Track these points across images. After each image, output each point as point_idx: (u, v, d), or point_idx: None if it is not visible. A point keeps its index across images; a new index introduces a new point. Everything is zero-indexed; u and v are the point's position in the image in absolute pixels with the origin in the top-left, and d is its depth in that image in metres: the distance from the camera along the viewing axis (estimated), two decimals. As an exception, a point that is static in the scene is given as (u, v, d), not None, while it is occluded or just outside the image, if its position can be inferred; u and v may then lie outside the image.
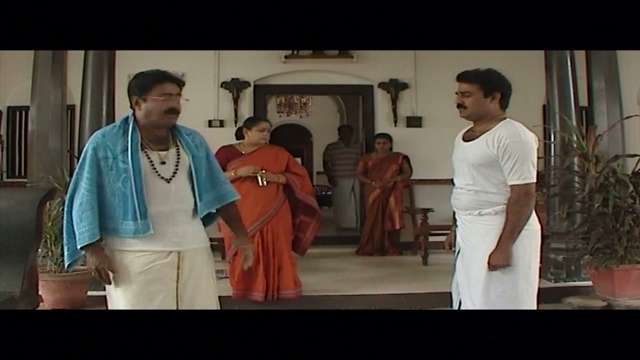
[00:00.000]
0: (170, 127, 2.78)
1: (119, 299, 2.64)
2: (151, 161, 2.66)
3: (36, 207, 3.53)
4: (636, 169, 4.70)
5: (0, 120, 7.62)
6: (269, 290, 4.71)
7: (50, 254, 4.59)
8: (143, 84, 2.70)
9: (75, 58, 5.42)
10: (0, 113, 7.62)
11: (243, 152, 4.91)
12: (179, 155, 2.74)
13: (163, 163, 2.68)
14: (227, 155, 4.91)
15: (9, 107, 7.73)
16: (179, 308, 2.63)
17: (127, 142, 2.63)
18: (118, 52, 5.59)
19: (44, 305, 4.46)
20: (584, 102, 5.73)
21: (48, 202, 4.08)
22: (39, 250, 4.11)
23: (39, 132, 5.23)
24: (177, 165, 2.71)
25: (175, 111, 2.70)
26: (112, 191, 2.61)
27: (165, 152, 2.71)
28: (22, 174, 7.35)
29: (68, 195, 2.67)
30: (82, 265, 4.77)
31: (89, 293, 4.69)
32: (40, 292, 4.15)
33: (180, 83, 2.77)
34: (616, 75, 5.60)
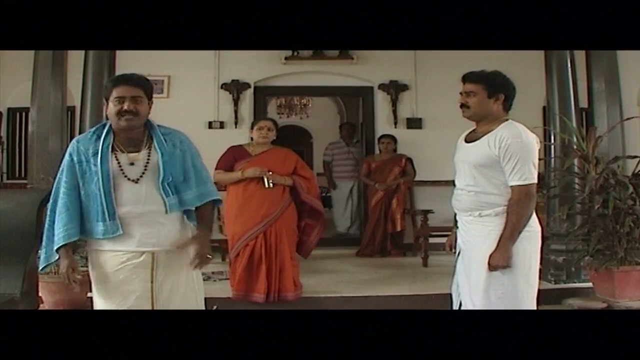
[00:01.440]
0: (148, 129, 2.80)
1: (95, 298, 2.74)
2: (119, 163, 2.70)
3: (36, 208, 3.53)
4: (636, 171, 4.70)
5: (0, 121, 7.62)
6: (270, 291, 4.71)
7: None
8: (106, 88, 2.79)
9: (75, 59, 5.42)
10: (0, 114, 7.62)
11: (251, 153, 4.91)
12: (149, 156, 2.74)
13: (132, 164, 2.71)
14: (235, 155, 4.91)
15: (9, 109, 7.73)
16: (155, 309, 2.65)
17: (98, 145, 2.69)
18: (118, 54, 5.60)
19: (44, 307, 4.46)
20: (584, 103, 5.73)
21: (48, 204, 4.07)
22: (39, 251, 4.11)
23: (39, 134, 5.22)
24: (146, 166, 2.72)
25: (128, 113, 2.69)
26: (87, 193, 2.69)
27: (135, 154, 2.73)
28: (22, 175, 7.34)
29: (50, 200, 2.76)
30: (82, 266, 4.81)
31: (89, 294, 4.67)
32: (40, 294, 4.15)
33: (141, 84, 2.75)
34: (616, 77, 5.60)
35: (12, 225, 3.46)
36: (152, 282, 2.66)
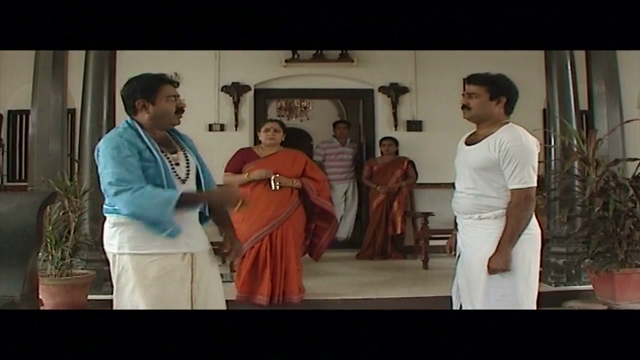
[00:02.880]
0: (167, 130, 2.81)
1: (137, 302, 2.60)
2: (170, 162, 2.69)
3: (36, 211, 3.53)
4: (636, 173, 4.70)
5: (0, 124, 7.62)
6: (274, 294, 4.69)
7: (50, 257, 4.58)
8: (149, 86, 2.71)
9: (75, 62, 5.43)
10: (0, 117, 7.63)
11: (259, 155, 4.90)
12: (187, 157, 2.79)
13: (177, 164, 2.72)
14: (243, 157, 4.91)
15: (9, 111, 7.73)
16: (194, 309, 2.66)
17: (145, 143, 2.64)
18: (119, 56, 5.59)
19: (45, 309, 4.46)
20: (584, 105, 5.73)
21: (48, 206, 4.07)
22: (40, 254, 4.11)
23: (39, 136, 5.22)
24: (188, 167, 2.75)
25: (182, 111, 2.77)
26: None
27: (175, 155, 2.75)
28: (23, 177, 7.34)
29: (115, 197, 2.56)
30: (82, 268, 4.81)
31: (90, 297, 4.69)
32: (40, 296, 4.14)
33: (175, 85, 2.84)
34: (616, 79, 5.61)
35: (13, 227, 3.45)
36: (191, 282, 2.67)
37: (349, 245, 7.85)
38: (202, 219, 2.88)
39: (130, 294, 2.62)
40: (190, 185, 2.75)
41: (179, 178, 2.69)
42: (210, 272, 2.77)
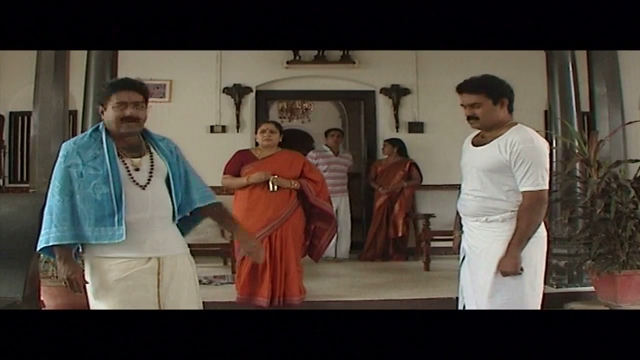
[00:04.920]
0: (142, 134, 2.78)
1: (99, 307, 2.63)
2: (127, 168, 2.67)
3: (38, 212, 3.51)
4: (638, 174, 4.69)
5: (2, 125, 7.63)
6: (274, 296, 4.69)
7: (52, 259, 4.57)
8: (102, 92, 2.74)
9: (77, 63, 5.43)
10: (2, 118, 7.63)
11: (257, 157, 4.90)
12: (152, 161, 2.73)
13: (137, 170, 2.68)
14: (241, 159, 4.91)
15: (11, 113, 7.73)
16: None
17: (102, 149, 2.64)
18: (120, 58, 5.61)
19: (46, 311, 4.46)
20: (585, 107, 5.74)
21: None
22: (41, 255, 4.11)
23: (41, 138, 5.22)
24: (151, 172, 2.70)
25: (131, 119, 2.67)
26: (82, 198, 2.61)
27: (138, 159, 2.71)
28: (24, 179, 7.34)
29: (46, 202, 2.66)
30: (83, 270, 4.80)
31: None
32: (42, 297, 4.15)
33: (141, 90, 2.73)
34: (618, 81, 5.60)
35: (14, 229, 3.47)
36: (158, 287, 2.63)
37: (351, 246, 7.85)
38: (187, 224, 2.87)
39: (93, 298, 2.65)
40: (153, 191, 2.68)
41: (137, 184, 2.65)
42: (182, 278, 2.71)
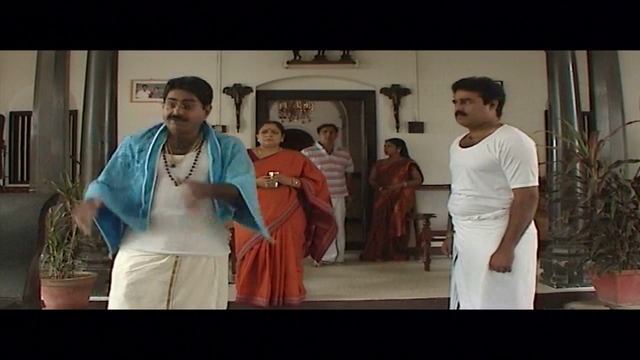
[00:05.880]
0: (203, 132, 2.79)
1: (112, 294, 2.68)
2: (166, 163, 2.69)
3: (38, 212, 3.53)
4: (638, 174, 4.69)
5: (2, 125, 7.64)
6: (273, 296, 4.70)
7: (52, 259, 4.58)
8: (165, 88, 2.78)
9: (77, 63, 5.44)
10: (2, 118, 7.64)
11: (259, 157, 4.90)
12: (196, 159, 2.72)
13: (173, 166, 2.70)
14: None
15: (11, 113, 7.75)
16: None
17: (149, 143, 2.71)
18: (121, 58, 5.60)
19: (46, 311, 4.47)
20: (585, 107, 5.74)
21: (50, 208, 4.08)
22: (41, 255, 4.12)
23: (41, 138, 5.23)
24: (191, 170, 2.70)
25: (175, 117, 2.68)
26: (123, 187, 2.69)
27: (181, 156, 2.72)
28: (25, 179, 7.36)
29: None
30: (84, 270, 4.82)
31: (91, 298, 4.69)
32: (42, 298, 4.15)
33: (193, 89, 2.74)
34: (618, 81, 5.61)
35: (15, 229, 3.46)
36: (170, 285, 2.61)
37: (351, 246, 7.86)
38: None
39: (112, 286, 2.71)
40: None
41: (172, 180, 2.66)
42: (200, 280, 2.66)
